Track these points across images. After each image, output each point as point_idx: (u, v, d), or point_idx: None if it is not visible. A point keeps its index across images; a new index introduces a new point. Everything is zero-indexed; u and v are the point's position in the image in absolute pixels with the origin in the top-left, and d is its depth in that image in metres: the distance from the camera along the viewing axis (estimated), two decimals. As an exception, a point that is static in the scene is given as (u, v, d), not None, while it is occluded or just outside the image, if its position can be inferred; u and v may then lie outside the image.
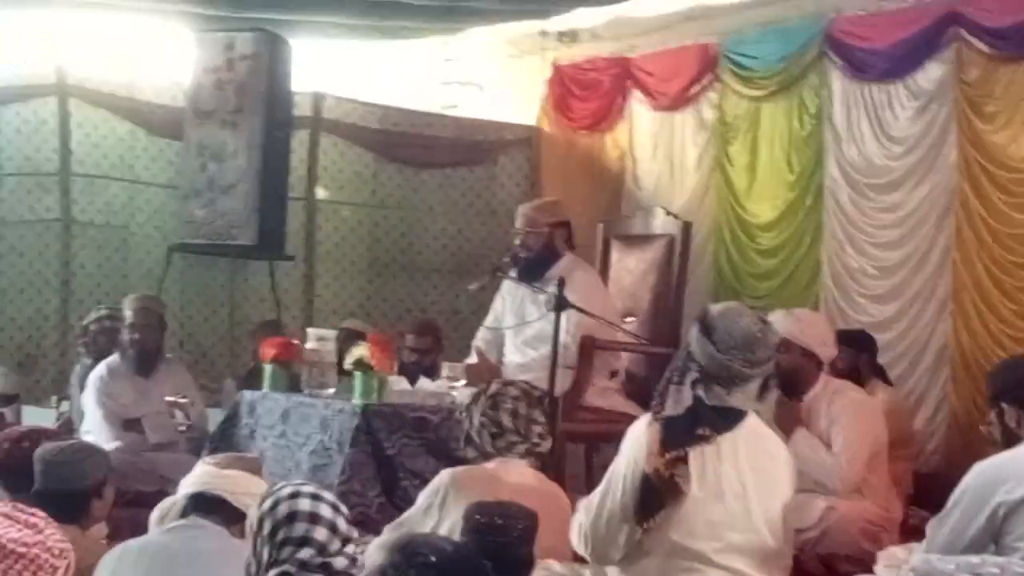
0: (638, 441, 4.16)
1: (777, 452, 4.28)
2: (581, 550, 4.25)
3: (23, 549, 3.32)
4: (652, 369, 6.70)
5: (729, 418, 4.14)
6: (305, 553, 2.98)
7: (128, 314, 7.29)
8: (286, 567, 2.96)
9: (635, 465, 4.11)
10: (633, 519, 4.08)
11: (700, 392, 4.11)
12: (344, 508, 3.12)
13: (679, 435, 4.08)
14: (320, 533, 3.00)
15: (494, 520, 3.50)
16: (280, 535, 3.00)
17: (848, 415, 6.10)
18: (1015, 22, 7.36)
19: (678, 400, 4.13)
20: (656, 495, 4.04)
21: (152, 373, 7.30)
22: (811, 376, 6.28)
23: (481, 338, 6.83)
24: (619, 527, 4.12)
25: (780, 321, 6.37)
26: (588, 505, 4.25)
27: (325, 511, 3.04)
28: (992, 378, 4.26)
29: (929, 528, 3.99)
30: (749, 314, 4.18)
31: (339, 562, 3.00)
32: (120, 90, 9.12)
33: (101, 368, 7.24)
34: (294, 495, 3.06)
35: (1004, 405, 4.00)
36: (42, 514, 3.51)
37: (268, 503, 3.07)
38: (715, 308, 4.23)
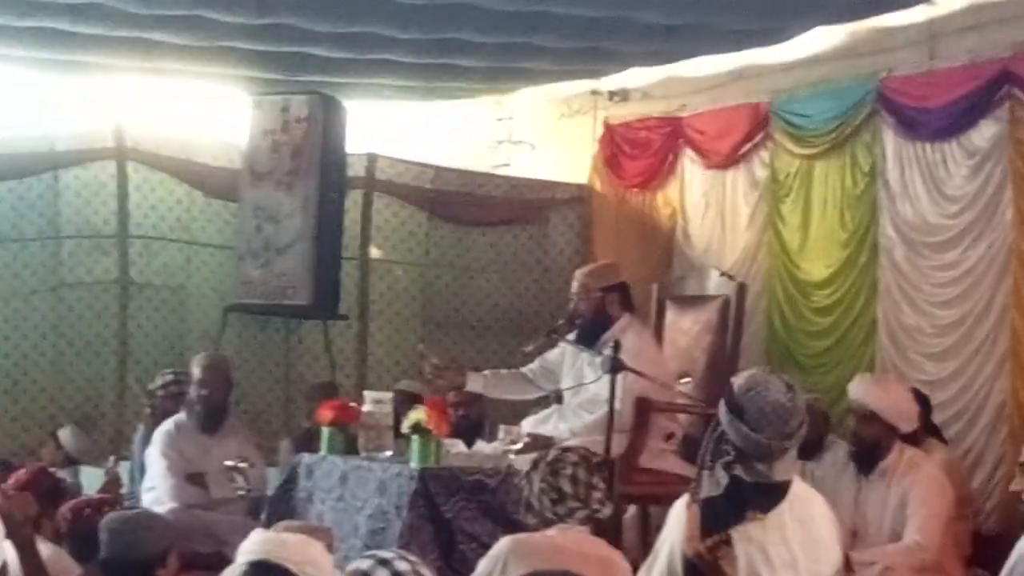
0: (677, 524, 4.07)
1: (823, 515, 4.18)
2: None
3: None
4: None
5: (773, 493, 4.04)
6: None
7: (196, 371, 7.32)
8: None
9: (672, 550, 4.03)
10: None
11: (739, 472, 3.99)
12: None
13: (721, 516, 3.98)
14: None
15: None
16: None
17: (923, 491, 6.08)
18: (1069, 81, 7.37)
19: (714, 480, 4.01)
20: None
21: (216, 431, 7.33)
22: (889, 446, 6.26)
23: (530, 368, 6.77)
24: None
25: (869, 392, 6.33)
26: None
27: None
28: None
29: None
30: (774, 382, 4.01)
31: None
32: (177, 153, 9.27)
33: (168, 424, 7.26)
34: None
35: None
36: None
37: None
38: (739, 383, 4.06)
